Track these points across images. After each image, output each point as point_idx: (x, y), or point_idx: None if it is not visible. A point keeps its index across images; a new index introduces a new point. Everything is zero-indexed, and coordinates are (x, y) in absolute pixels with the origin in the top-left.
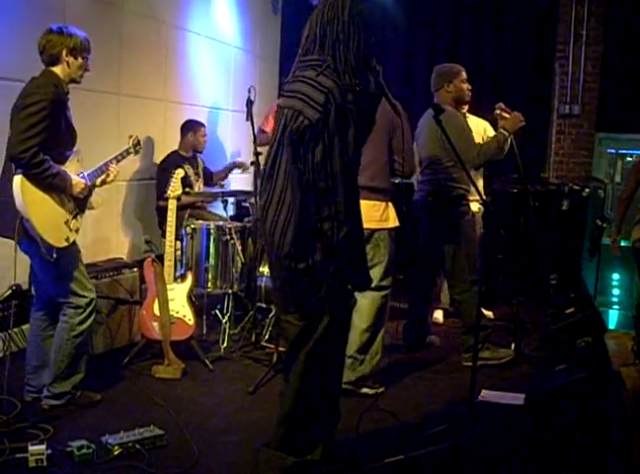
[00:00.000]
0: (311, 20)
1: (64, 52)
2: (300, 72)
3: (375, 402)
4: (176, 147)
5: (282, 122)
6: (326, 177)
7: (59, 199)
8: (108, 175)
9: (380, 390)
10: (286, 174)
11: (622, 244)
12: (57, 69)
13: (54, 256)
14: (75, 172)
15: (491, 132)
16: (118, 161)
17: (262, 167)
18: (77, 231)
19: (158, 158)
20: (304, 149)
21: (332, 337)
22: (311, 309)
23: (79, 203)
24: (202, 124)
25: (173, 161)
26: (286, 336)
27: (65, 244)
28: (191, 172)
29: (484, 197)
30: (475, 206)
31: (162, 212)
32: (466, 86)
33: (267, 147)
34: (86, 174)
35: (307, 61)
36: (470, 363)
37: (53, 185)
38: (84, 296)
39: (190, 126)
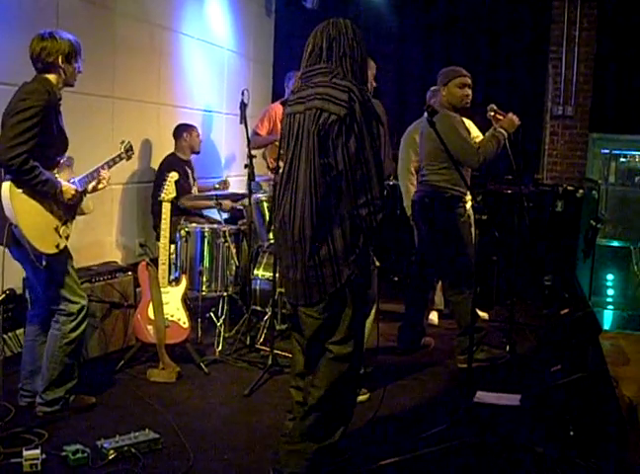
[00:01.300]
0: (315, 37)
1: (60, 59)
2: (310, 80)
3: (378, 406)
4: (170, 150)
5: (295, 127)
6: (361, 167)
7: (49, 206)
8: (99, 181)
9: (366, 397)
10: (305, 173)
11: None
12: (51, 76)
13: (44, 263)
14: (66, 178)
15: (474, 130)
16: (109, 167)
17: (281, 170)
18: (67, 238)
19: (152, 161)
20: (334, 143)
21: (357, 326)
22: (334, 299)
23: (69, 210)
24: (194, 126)
25: (172, 163)
26: (306, 329)
27: (55, 250)
28: (190, 174)
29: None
30: (467, 206)
31: (158, 215)
32: (462, 92)
33: (261, 150)
34: (77, 180)
35: (315, 70)
36: (465, 365)
37: (43, 191)
38: (75, 303)
39: (183, 128)
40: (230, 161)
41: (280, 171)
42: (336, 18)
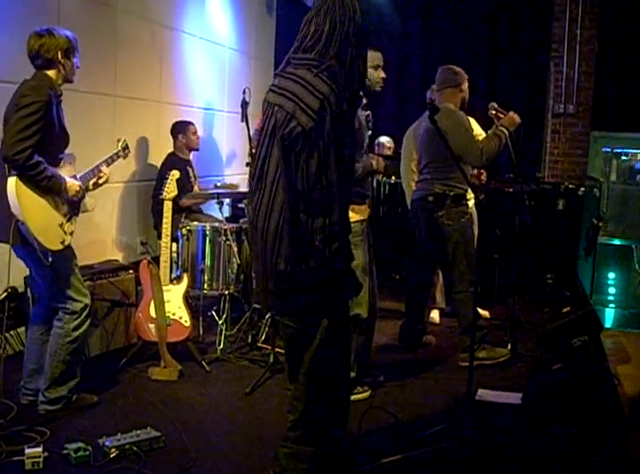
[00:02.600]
0: (318, 16)
1: (60, 55)
2: (294, 69)
3: (372, 403)
4: (171, 149)
5: (272, 122)
6: (321, 188)
7: (54, 202)
8: (99, 177)
9: (367, 394)
10: (274, 176)
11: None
12: (51, 72)
13: (50, 259)
14: (68, 175)
15: (478, 129)
16: (108, 164)
17: (252, 167)
18: (72, 234)
19: (153, 159)
20: (296, 157)
21: (335, 337)
22: (307, 311)
23: (73, 206)
24: (190, 123)
25: (172, 163)
26: (284, 336)
27: (61, 247)
28: (192, 173)
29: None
30: (470, 203)
31: (158, 214)
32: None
33: None
34: (78, 176)
35: (304, 59)
36: (467, 363)
37: (49, 187)
38: (79, 301)
39: (179, 128)
40: (231, 160)
41: (252, 166)
42: None
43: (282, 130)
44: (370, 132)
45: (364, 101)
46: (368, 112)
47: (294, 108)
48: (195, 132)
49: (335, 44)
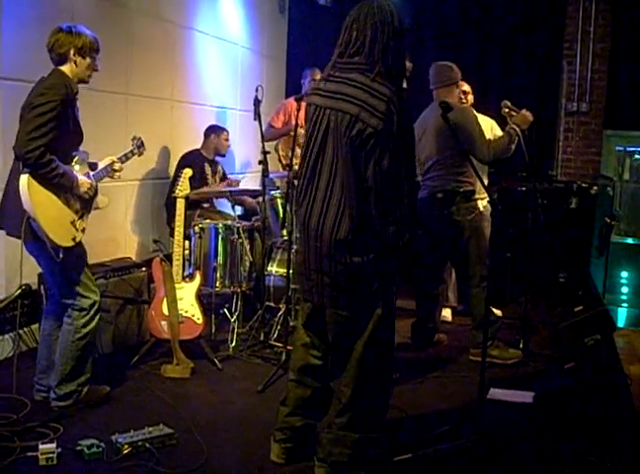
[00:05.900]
0: (358, 21)
1: (72, 51)
2: (345, 74)
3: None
4: (184, 147)
5: (325, 124)
6: (391, 184)
7: (65, 199)
8: (113, 173)
9: None
10: (330, 175)
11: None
12: (66, 68)
13: (61, 256)
14: (81, 172)
15: (498, 131)
16: (122, 162)
17: (299, 167)
18: (83, 231)
19: (166, 157)
20: (367, 156)
21: (386, 326)
22: (363, 301)
23: (85, 203)
24: (225, 129)
25: (192, 159)
26: (333, 327)
27: (72, 244)
28: (209, 170)
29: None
30: (483, 204)
31: (171, 209)
32: None
33: (274, 142)
34: (91, 174)
35: (353, 64)
36: (478, 358)
37: (60, 184)
38: (88, 298)
39: (213, 129)
40: (244, 158)
41: (303, 162)
42: (380, 1)
43: (349, 132)
44: None
45: None
46: None
47: (359, 110)
48: (226, 139)
49: (378, 50)
